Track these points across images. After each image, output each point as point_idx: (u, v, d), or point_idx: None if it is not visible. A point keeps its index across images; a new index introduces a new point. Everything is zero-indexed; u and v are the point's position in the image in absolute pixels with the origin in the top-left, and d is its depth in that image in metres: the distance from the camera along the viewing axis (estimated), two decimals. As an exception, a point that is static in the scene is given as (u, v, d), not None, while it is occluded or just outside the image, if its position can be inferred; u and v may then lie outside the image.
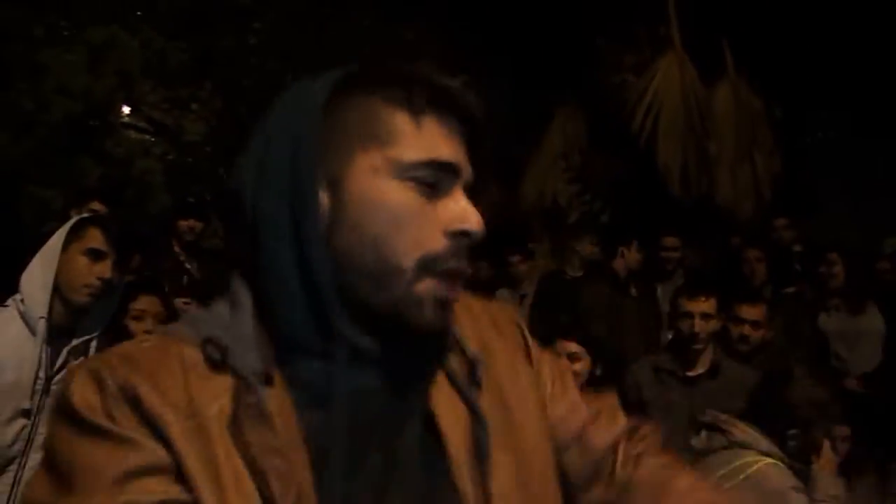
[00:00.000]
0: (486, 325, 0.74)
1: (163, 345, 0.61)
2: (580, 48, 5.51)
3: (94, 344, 1.87)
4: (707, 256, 4.77)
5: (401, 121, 0.62)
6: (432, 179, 0.62)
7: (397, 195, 0.61)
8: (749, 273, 3.68)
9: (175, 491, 0.54)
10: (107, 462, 0.54)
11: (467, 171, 0.65)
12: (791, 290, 3.72)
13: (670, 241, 4.00)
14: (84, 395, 0.56)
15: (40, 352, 1.75)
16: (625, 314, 3.73)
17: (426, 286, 0.61)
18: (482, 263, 5.34)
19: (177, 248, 3.82)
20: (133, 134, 7.57)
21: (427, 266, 0.61)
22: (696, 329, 2.58)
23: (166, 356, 0.59)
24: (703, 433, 1.85)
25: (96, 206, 3.11)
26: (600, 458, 0.75)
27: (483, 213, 0.64)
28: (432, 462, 0.63)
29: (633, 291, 3.91)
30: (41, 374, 1.75)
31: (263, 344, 0.60)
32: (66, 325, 1.82)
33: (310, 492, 0.56)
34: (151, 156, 7.26)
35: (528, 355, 0.77)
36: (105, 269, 1.80)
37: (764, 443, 1.77)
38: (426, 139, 0.62)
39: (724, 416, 1.83)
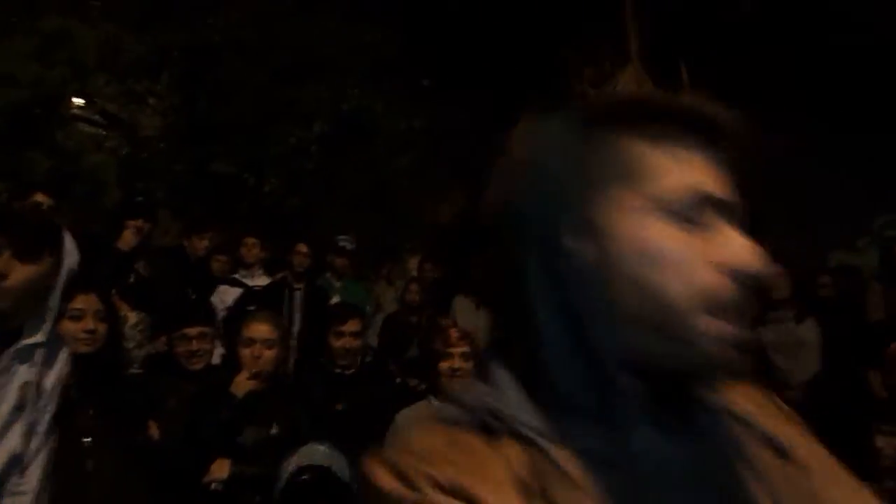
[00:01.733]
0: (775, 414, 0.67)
1: (443, 431, 0.56)
2: (544, 57, 5.60)
3: (40, 350, 1.78)
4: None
5: (660, 155, 0.56)
6: (698, 216, 0.55)
7: (664, 235, 0.55)
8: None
9: None
10: None
11: (737, 207, 0.58)
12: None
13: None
14: (388, 482, 0.53)
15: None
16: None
17: (714, 326, 0.54)
18: (438, 267, 5.36)
19: (124, 248, 3.72)
20: (85, 127, 7.36)
21: (710, 308, 0.54)
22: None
23: (452, 442, 0.54)
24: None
25: (40, 198, 3.01)
26: None
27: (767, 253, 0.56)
28: None
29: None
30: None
31: (537, 410, 0.55)
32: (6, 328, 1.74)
33: None
34: (104, 150, 7.07)
35: None
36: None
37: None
38: (688, 172, 0.56)
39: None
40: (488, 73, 5.55)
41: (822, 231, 6.97)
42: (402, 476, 0.52)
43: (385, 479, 0.53)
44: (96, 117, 7.67)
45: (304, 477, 1.99)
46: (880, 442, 2.75)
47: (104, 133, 7.68)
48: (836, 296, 4.14)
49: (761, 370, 3.44)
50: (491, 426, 0.54)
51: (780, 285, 3.62)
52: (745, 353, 0.55)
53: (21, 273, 1.70)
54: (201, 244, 4.54)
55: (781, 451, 0.60)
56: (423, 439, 0.56)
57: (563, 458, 0.53)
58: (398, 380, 3.75)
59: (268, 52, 7.11)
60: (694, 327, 0.54)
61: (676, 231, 0.55)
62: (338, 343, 2.99)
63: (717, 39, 5.31)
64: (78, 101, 6.95)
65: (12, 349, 1.74)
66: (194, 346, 2.76)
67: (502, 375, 0.58)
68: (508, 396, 0.56)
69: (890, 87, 5.98)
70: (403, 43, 7.07)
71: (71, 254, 1.83)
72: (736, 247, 0.55)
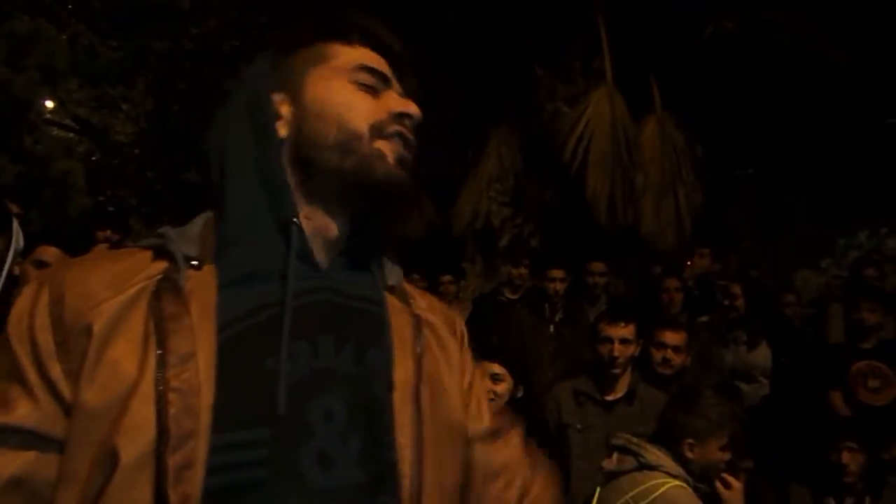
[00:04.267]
0: (435, 309, 0.83)
1: (118, 250, 0.71)
2: (518, 75, 5.66)
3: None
4: (628, 284, 4.94)
5: (338, 46, 0.78)
6: (370, 82, 0.76)
7: (347, 90, 0.75)
8: (667, 301, 3.85)
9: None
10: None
11: (397, 83, 0.79)
12: (704, 318, 3.91)
13: (597, 266, 4.10)
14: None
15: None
16: (547, 338, 3.81)
17: (383, 145, 0.74)
18: (414, 277, 5.35)
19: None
20: (55, 131, 7.23)
21: (379, 130, 0.74)
22: (616, 353, 2.66)
23: (113, 254, 0.70)
24: (615, 455, 1.92)
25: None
26: (491, 471, 0.80)
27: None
28: (365, 359, 0.68)
29: (560, 315, 3.98)
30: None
31: (207, 242, 0.70)
32: None
33: (209, 355, 0.61)
34: (74, 156, 6.94)
35: (462, 352, 0.83)
36: None
37: (671, 465, 1.86)
38: (359, 54, 0.78)
39: (635, 439, 1.91)
40: (460, 91, 5.59)
41: (787, 251, 7.13)
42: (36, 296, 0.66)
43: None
44: (67, 122, 7.54)
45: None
46: (845, 458, 2.81)
47: (75, 138, 7.55)
48: (800, 315, 4.24)
49: (731, 382, 3.50)
50: (154, 244, 0.69)
51: (737, 305, 3.68)
52: (408, 172, 0.75)
53: None
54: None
55: (417, 330, 0.75)
56: (93, 254, 0.72)
57: (193, 276, 0.66)
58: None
59: (242, 61, 7.09)
60: (372, 146, 0.73)
61: (356, 91, 0.76)
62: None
63: (689, 61, 5.43)
64: (49, 104, 6.83)
65: None
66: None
67: (199, 217, 0.75)
68: (192, 226, 0.73)
69: (857, 109, 6.16)
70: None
71: (19, 236, 1.85)
72: (396, 100, 0.77)
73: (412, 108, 0.77)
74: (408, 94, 0.80)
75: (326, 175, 0.73)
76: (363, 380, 0.66)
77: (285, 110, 0.75)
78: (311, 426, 0.62)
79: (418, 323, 0.75)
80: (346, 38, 0.78)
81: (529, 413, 2.39)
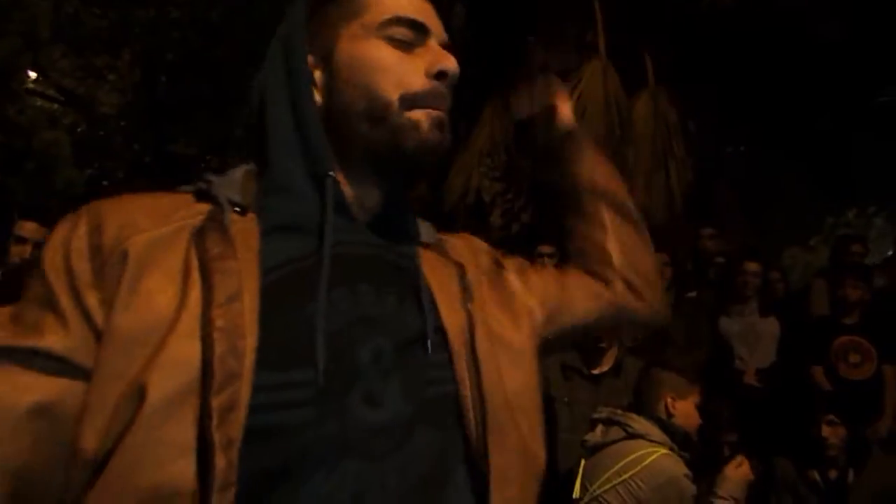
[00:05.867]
0: (475, 249, 0.83)
1: (163, 194, 0.70)
2: (510, 47, 5.60)
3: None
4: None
5: None
6: (405, 36, 0.71)
7: (377, 51, 0.70)
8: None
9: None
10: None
11: (438, 30, 0.74)
12: (692, 294, 3.93)
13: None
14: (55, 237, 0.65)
15: None
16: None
17: (415, 114, 0.70)
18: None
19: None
20: (39, 102, 7.10)
21: (411, 102, 0.70)
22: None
23: (152, 193, 0.69)
24: (599, 427, 1.94)
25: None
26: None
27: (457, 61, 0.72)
28: (406, 306, 0.68)
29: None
30: None
31: (249, 188, 0.70)
32: None
33: (253, 297, 0.60)
34: (59, 127, 6.84)
35: (506, 274, 0.84)
36: None
37: (657, 433, 1.88)
38: (393, 3, 0.72)
39: (619, 411, 1.93)
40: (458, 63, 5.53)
41: (777, 228, 7.17)
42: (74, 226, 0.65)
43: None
44: (51, 92, 7.41)
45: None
46: (826, 432, 2.87)
47: (60, 109, 7.43)
48: (786, 292, 4.27)
49: (723, 357, 3.55)
50: (199, 188, 0.69)
51: (750, 281, 3.68)
52: (443, 132, 0.71)
53: None
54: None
55: (463, 281, 0.75)
56: (142, 194, 0.70)
57: (238, 220, 0.66)
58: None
59: (232, 31, 6.96)
60: (404, 115, 0.69)
61: (391, 49, 0.71)
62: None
63: (683, 35, 5.39)
64: (32, 74, 6.70)
65: None
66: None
67: (239, 168, 0.74)
68: (234, 172, 0.72)
69: (850, 87, 6.15)
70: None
71: None
72: (434, 55, 0.72)
73: (450, 64, 0.71)
74: (447, 41, 0.75)
75: (358, 145, 0.70)
76: (407, 325, 0.67)
77: (318, 76, 0.72)
78: (357, 367, 0.62)
79: (463, 273, 0.75)
80: None
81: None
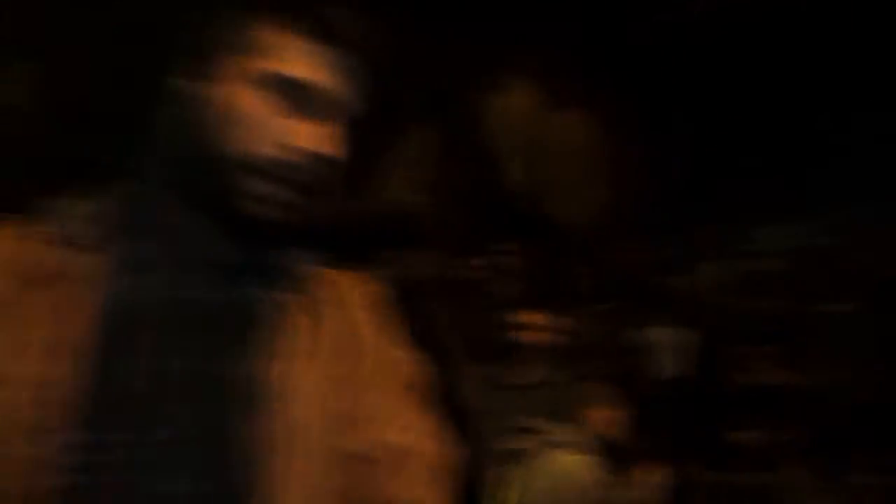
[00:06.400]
0: (346, 295, 0.75)
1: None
2: (437, 56, 5.60)
3: None
4: (542, 270, 5.02)
5: (268, 35, 0.64)
6: (288, 94, 0.63)
7: (249, 101, 0.63)
8: (576, 287, 3.92)
9: None
10: None
11: (331, 97, 0.65)
12: (608, 306, 4.04)
13: (510, 251, 4.14)
14: None
15: None
16: (463, 324, 3.82)
17: (260, 187, 0.62)
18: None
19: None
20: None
21: (246, 167, 0.62)
22: (526, 338, 2.68)
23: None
24: (517, 437, 1.93)
25: None
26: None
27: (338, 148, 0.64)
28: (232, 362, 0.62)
29: (478, 301, 4.00)
30: None
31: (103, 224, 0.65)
32: None
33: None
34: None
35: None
36: None
37: (576, 441, 1.89)
38: (287, 54, 0.63)
39: (538, 420, 1.93)
40: (387, 73, 5.48)
41: (697, 242, 7.41)
42: None
43: None
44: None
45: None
46: (741, 436, 2.96)
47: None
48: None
49: (636, 366, 3.63)
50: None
51: (666, 295, 3.79)
52: (294, 213, 0.64)
53: None
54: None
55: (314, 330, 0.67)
56: None
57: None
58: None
59: (149, 20, 6.68)
60: (238, 184, 0.63)
61: (262, 102, 0.63)
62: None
63: (614, 53, 5.53)
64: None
65: None
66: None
67: (99, 197, 0.68)
68: (79, 210, 0.66)
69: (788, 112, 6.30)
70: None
71: None
72: (305, 130, 0.63)
73: (307, 143, 0.63)
74: (342, 111, 0.67)
75: (197, 190, 0.65)
76: (226, 386, 0.61)
77: (189, 97, 0.66)
78: (156, 433, 0.59)
79: (318, 321, 0.68)
80: (284, 22, 0.64)
81: (447, 399, 2.38)
